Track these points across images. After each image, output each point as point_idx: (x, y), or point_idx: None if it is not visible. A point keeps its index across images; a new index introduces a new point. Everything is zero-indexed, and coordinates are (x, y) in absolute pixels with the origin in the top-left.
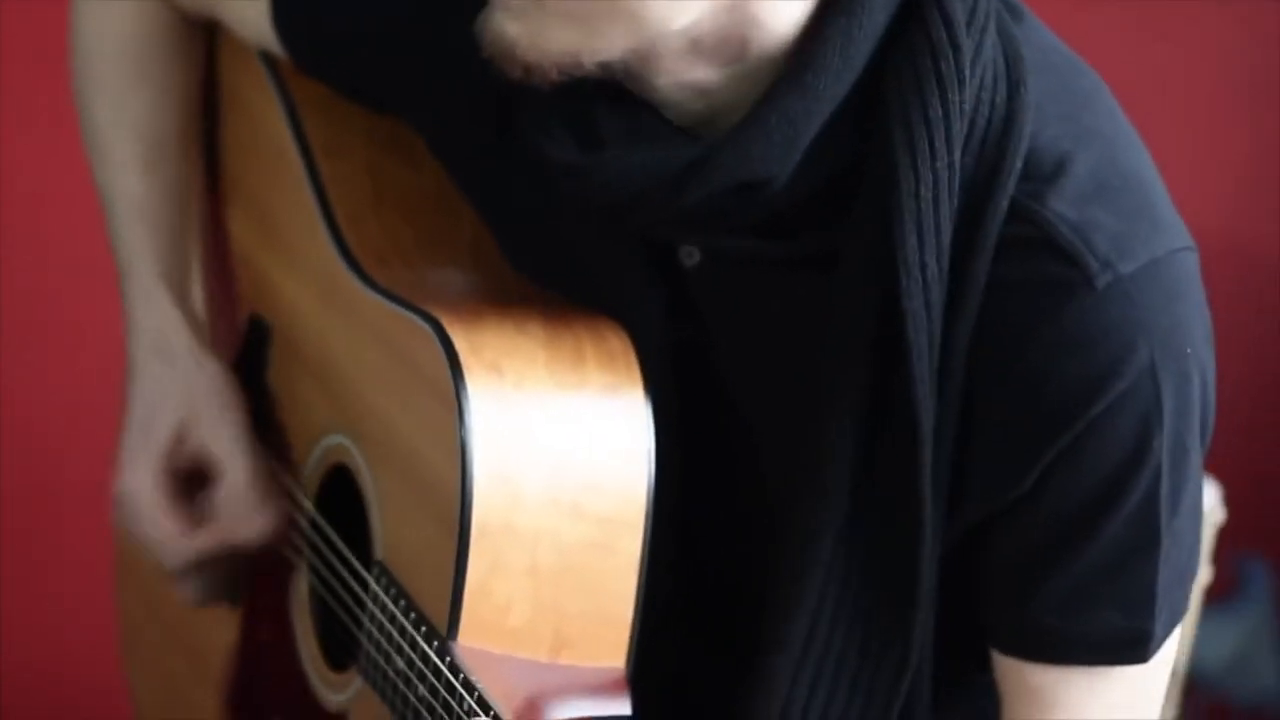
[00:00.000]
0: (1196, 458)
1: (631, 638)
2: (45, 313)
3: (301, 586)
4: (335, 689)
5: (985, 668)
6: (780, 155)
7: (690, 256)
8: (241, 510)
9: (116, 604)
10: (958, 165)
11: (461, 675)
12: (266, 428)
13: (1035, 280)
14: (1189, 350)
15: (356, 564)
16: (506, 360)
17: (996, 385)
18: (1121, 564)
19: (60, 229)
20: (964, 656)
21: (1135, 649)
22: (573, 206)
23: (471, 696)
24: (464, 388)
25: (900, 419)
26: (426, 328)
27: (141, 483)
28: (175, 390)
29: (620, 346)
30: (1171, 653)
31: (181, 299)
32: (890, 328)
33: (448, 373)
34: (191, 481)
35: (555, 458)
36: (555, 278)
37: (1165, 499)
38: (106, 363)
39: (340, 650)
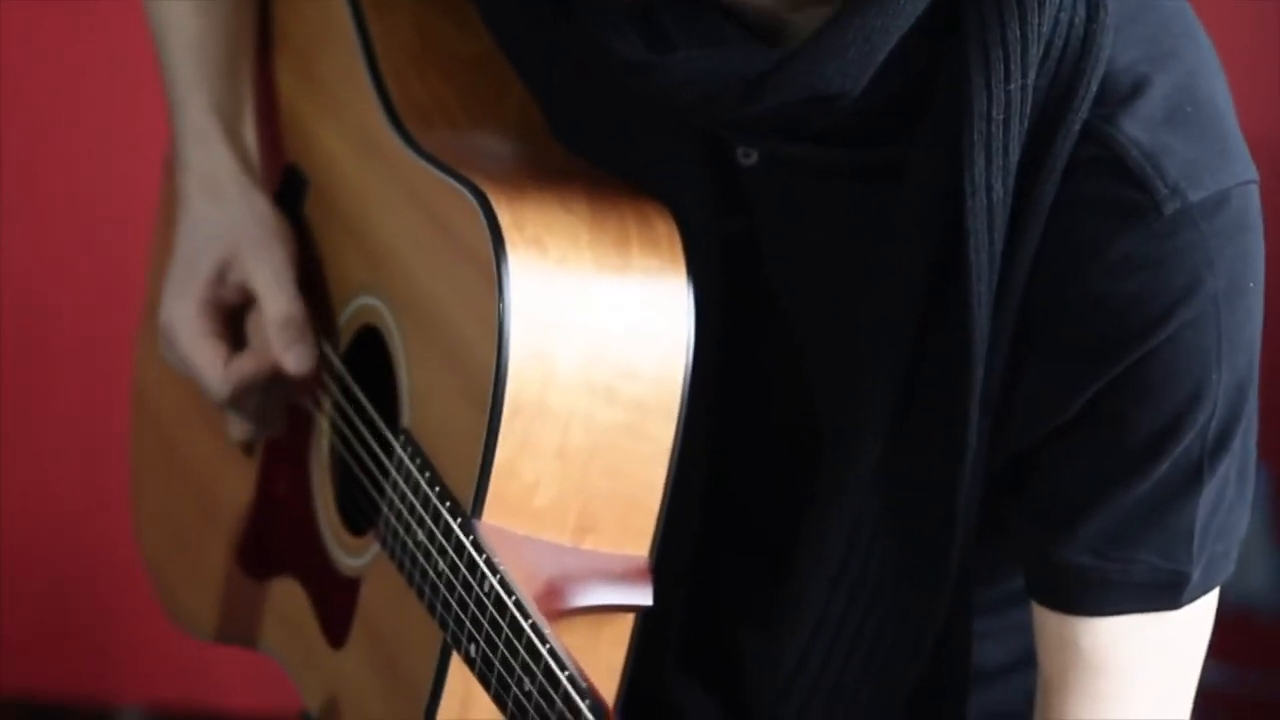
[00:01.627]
0: (1253, 396)
1: (657, 528)
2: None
3: (323, 445)
4: (351, 553)
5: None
6: (855, 71)
7: (747, 156)
8: (280, 341)
9: (130, 450)
10: (1030, 88)
11: (484, 555)
12: (299, 283)
13: (1102, 202)
14: (1251, 285)
15: (383, 428)
16: (549, 236)
17: (1054, 307)
18: (1164, 503)
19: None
20: (1008, 586)
21: (1171, 592)
22: (630, 95)
23: (494, 578)
24: (505, 261)
25: (953, 338)
26: (469, 196)
27: (184, 311)
28: (222, 227)
29: (666, 231)
30: (1209, 618)
31: (233, 136)
32: (951, 247)
33: (489, 245)
34: (235, 318)
35: (592, 339)
36: (603, 159)
37: (1214, 438)
38: (102, 219)
39: (358, 514)
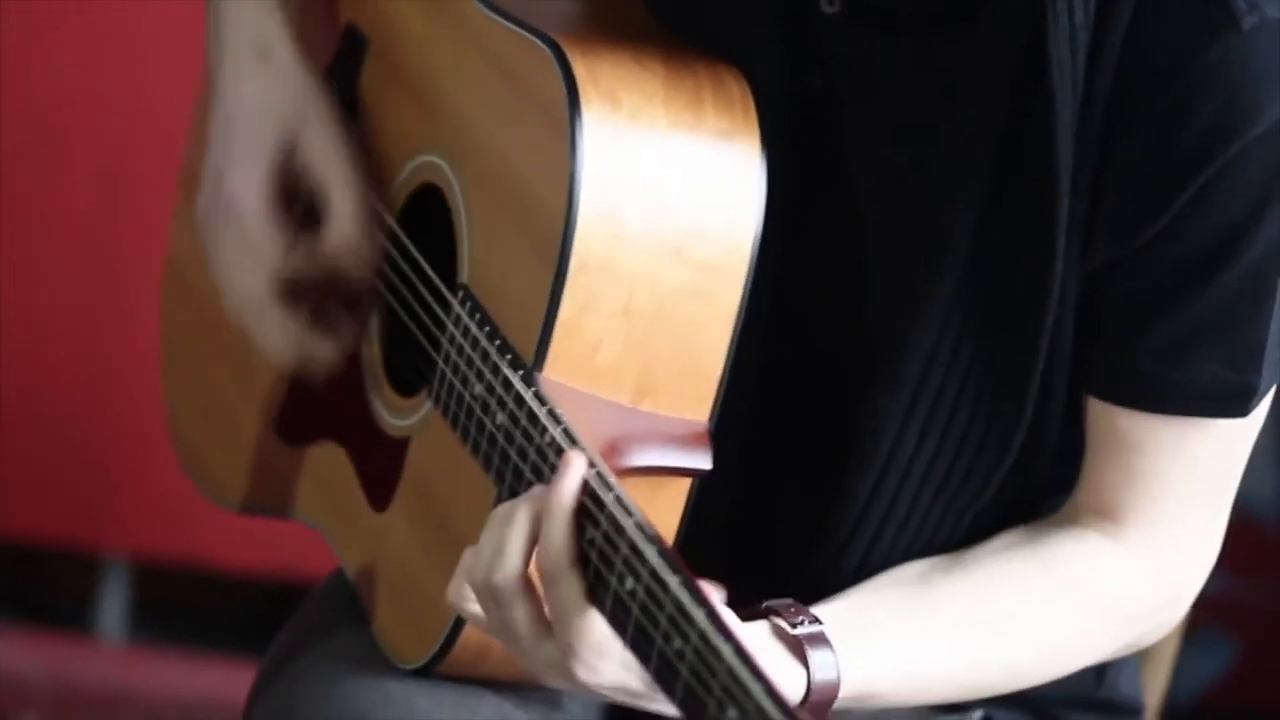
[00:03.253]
0: None
1: (718, 393)
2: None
3: (373, 307)
4: (399, 413)
5: None
6: None
7: (830, 4)
8: (348, 236)
9: (161, 313)
10: None
11: (546, 406)
12: (354, 145)
13: (1180, 20)
14: None
15: (440, 284)
16: (623, 91)
17: (1135, 127)
18: (1231, 315)
19: None
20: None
21: (1235, 402)
22: None
23: (555, 429)
24: (578, 114)
25: (1037, 168)
26: (544, 49)
27: (250, 188)
28: (280, 97)
29: (740, 93)
30: (1263, 414)
31: (284, 6)
32: (1033, 76)
33: (563, 97)
34: (291, 196)
35: (663, 197)
36: (678, 14)
37: None
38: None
39: (409, 375)
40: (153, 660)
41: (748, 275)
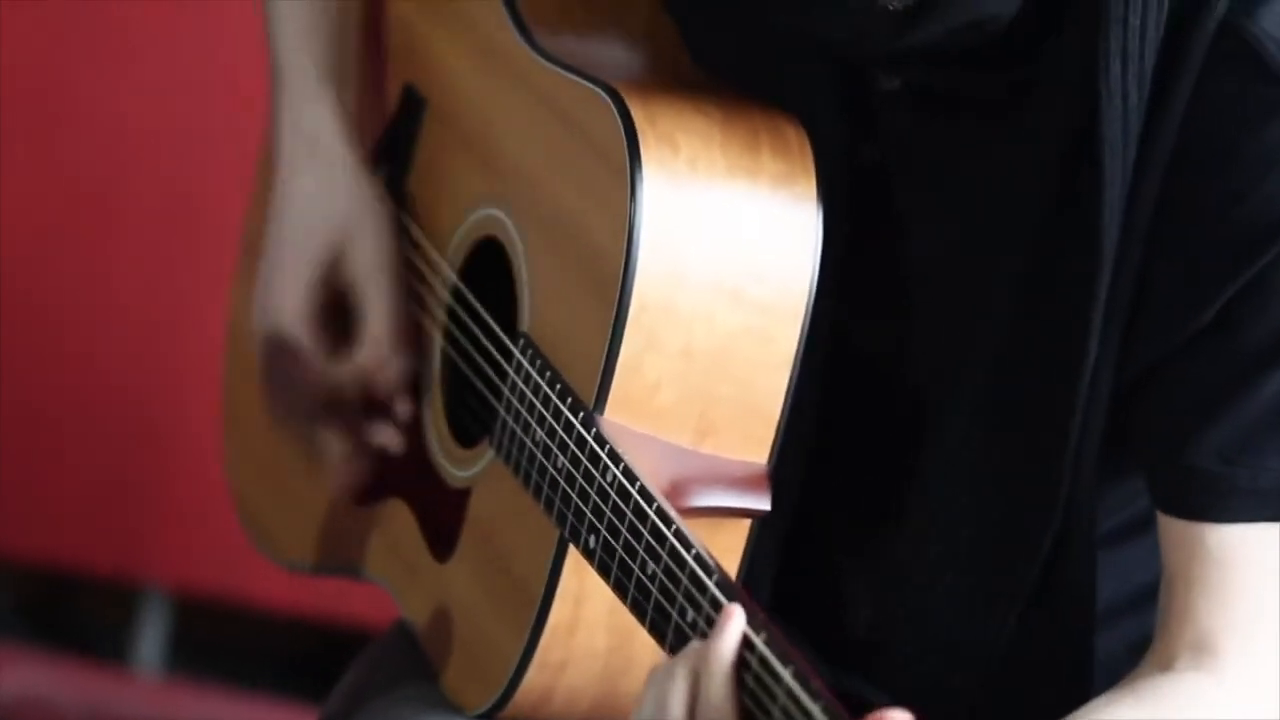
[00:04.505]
0: None
1: (777, 435)
2: None
3: (433, 363)
4: (461, 465)
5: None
6: None
7: (890, 81)
8: (380, 347)
9: (223, 383)
10: None
11: (607, 446)
12: (414, 203)
13: (1239, 99)
14: None
15: (500, 334)
16: (682, 134)
17: (1188, 207)
18: None
19: None
20: (1125, 516)
21: None
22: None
23: (616, 468)
24: (638, 158)
25: (1081, 247)
26: (603, 96)
27: (296, 298)
28: (332, 204)
29: (797, 139)
30: None
31: (341, 101)
32: (1082, 155)
33: (622, 141)
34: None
35: (722, 240)
36: (737, 77)
37: None
38: None
39: (470, 426)
40: (190, 695)
41: (805, 317)
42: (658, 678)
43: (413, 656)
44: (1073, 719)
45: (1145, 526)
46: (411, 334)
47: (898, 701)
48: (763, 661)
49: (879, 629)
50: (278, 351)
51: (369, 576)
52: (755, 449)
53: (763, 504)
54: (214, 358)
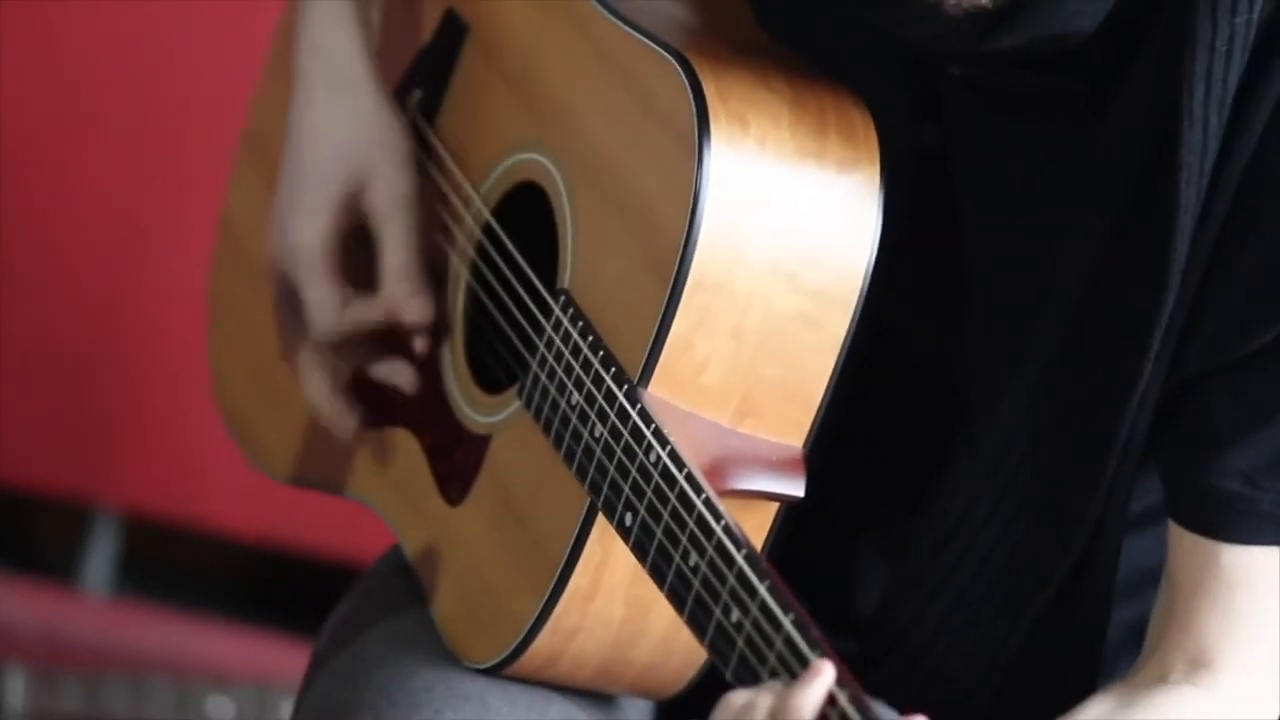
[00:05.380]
0: None
1: (816, 420)
2: None
3: (458, 299)
4: (483, 410)
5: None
6: (1094, 9)
7: (957, 70)
8: (399, 285)
9: (211, 272)
10: (1255, 21)
11: (653, 426)
12: (447, 131)
13: None
14: None
15: (539, 285)
16: (751, 112)
17: (1252, 235)
18: None
19: None
20: (1148, 502)
21: None
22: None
23: (663, 449)
24: (707, 133)
25: (1147, 269)
26: (672, 63)
27: (309, 239)
28: (352, 135)
29: (863, 122)
30: None
31: (364, 21)
32: (1157, 177)
33: (691, 114)
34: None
35: (783, 223)
36: (800, 42)
37: None
38: None
39: (495, 371)
40: (139, 617)
41: (858, 305)
42: (735, 706)
43: (405, 589)
44: (1067, 719)
45: (1158, 517)
46: (432, 272)
47: (901, 688)
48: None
49: (890, 613)
50: (295, 286)
51: (355, 496)
52: (792, 432)
53: (798, 489)
54: (172, 282)
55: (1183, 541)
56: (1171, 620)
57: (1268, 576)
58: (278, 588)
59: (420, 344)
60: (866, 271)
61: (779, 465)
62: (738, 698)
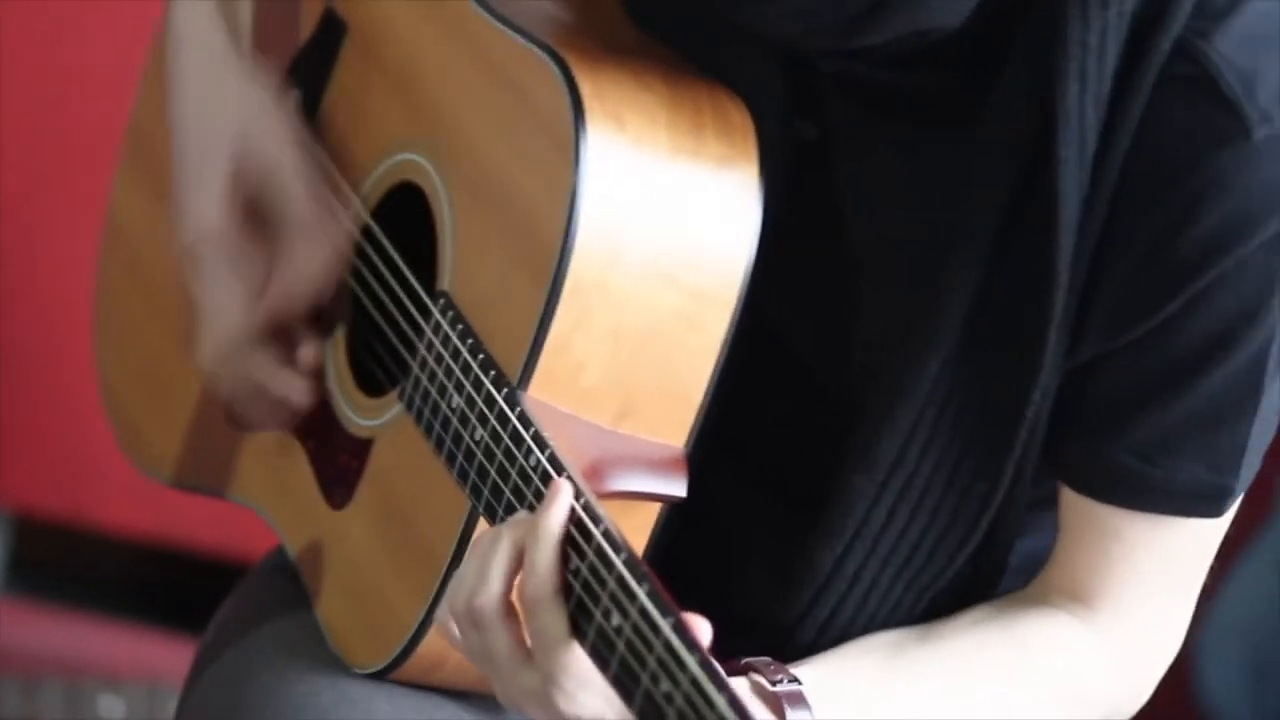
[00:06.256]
0: None
1: (695, 421)
2: None
3: (339, 300)
4: (365, 413)
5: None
6: (959, 5)
7: (830, 66)
8: (306, 246)
9: (98, 270)
10: (1128, 13)
11: (532, 429)
12: (326, 131)
13: (1192, 125)
14: None
15: (418, 288)
16: (629, 112)
17: (1136, 228)
18: (1217, 417)
19: None
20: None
21: (1212, 504)
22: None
23: (542, 453)
24: (584, 134)
25: (1034, 259)
26: (549, 63)
27: (212, 218)
28: (225, 107)
29: (740, 120)
30: (1234, 509)
31: (233, 22)
32: (1036, 174)
33: (569, 114)
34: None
35: (662, 222)
36: (675, 38)
37: (1274, 358)
38: None
39: (376, 374)
40: (29, 617)
41: (737, 304)
42: (481, 544)
43: (290, 589)
44: (936, 629)
45: (1049, 504)
46: (341, 226)
47: None
48: (598, 551)
49: (798, 622)
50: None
51: (238, 499)
52: (673, 432)
53: (679, 489)
54: (61, 279)
55: (1069, 498)
56: (1054, 559)
57: (1150, 537)
58: (169, 587)
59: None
60: (746, 269)
61: (659, 465)
62: (483, 535)
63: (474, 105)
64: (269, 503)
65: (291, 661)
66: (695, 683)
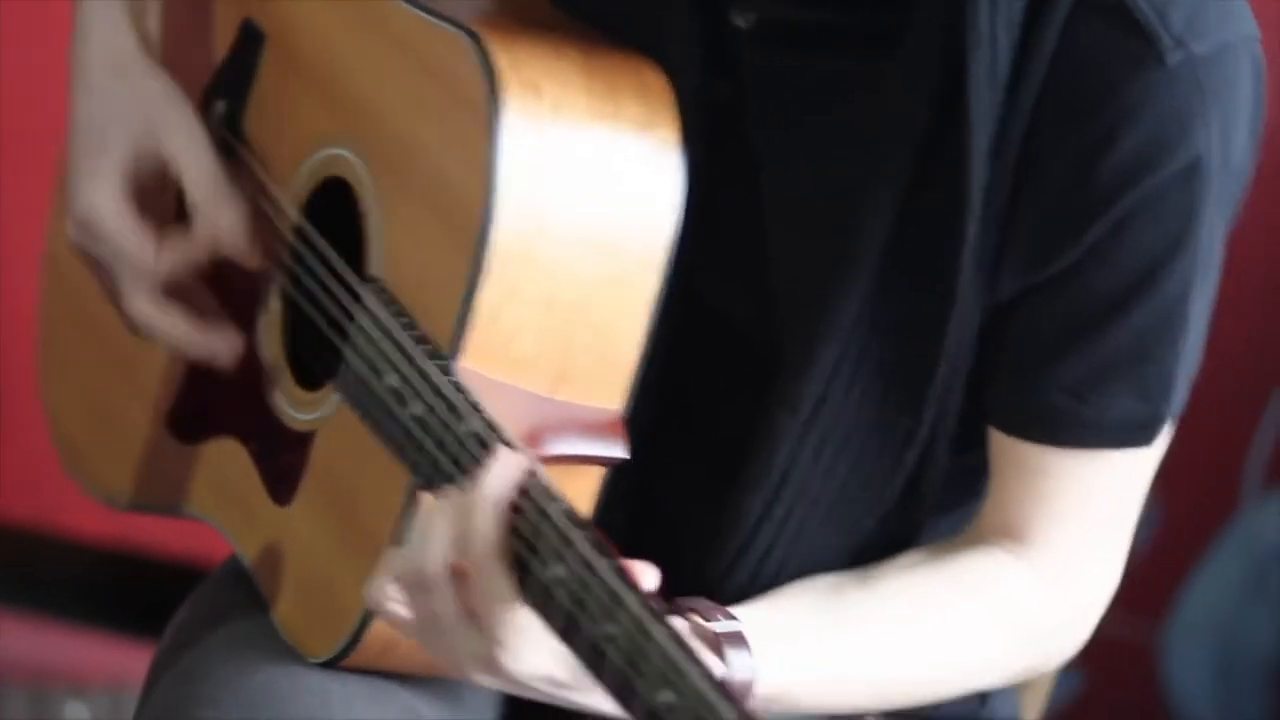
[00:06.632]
0: (1222, 244)
1: (632, 383)
2: None
3: (272, 301)
4: (304, 408)
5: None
6: None
7: (746, 19)
8: (211, 206)
9: (40, 320)
10: None
11: (466, 395)
12: (253, 140)
13: (1106, 51)
14: (1239, 140)
15: (349, 276)
16: (545, 80)
17: (1053, 156)
18: (1146, 349)
19: None
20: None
21: (1144, 433)
22: None
23: (475, 418)
24: (500, 103)
25: (948, 190)
26: (463, 39)
27: (103, 197)
28: (130, 104)
29: (657, 82)
30: (1167, 438)
31: (137, 16)
32: (950, 102)
33: (484, 86)
34: (156, 200)
35: (585, 186)
36: (590, 10)
37: (1197, 286)
38: None
39: (313, 368)
40: None
41: (665, 264)
42: (424, 512)
43: (246, 594)
44: (874, 571)
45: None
46: (241, 186)
47: None
48: (537, 507)
49: (730, 573)
50: (104, 249)
51: (193, 514)
52: (609, 395)
53: (619, 451)
54: (20, 284)
55: (999, 439)
56: (988, 497)
57: (1085, 472)
58: (134, 592)
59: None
60: (672, 229)
61: (596, 429)
62: (426, 503)
63: (394, 92)
64: (220, 513)
65: (249, 656)
66: (636, 620)
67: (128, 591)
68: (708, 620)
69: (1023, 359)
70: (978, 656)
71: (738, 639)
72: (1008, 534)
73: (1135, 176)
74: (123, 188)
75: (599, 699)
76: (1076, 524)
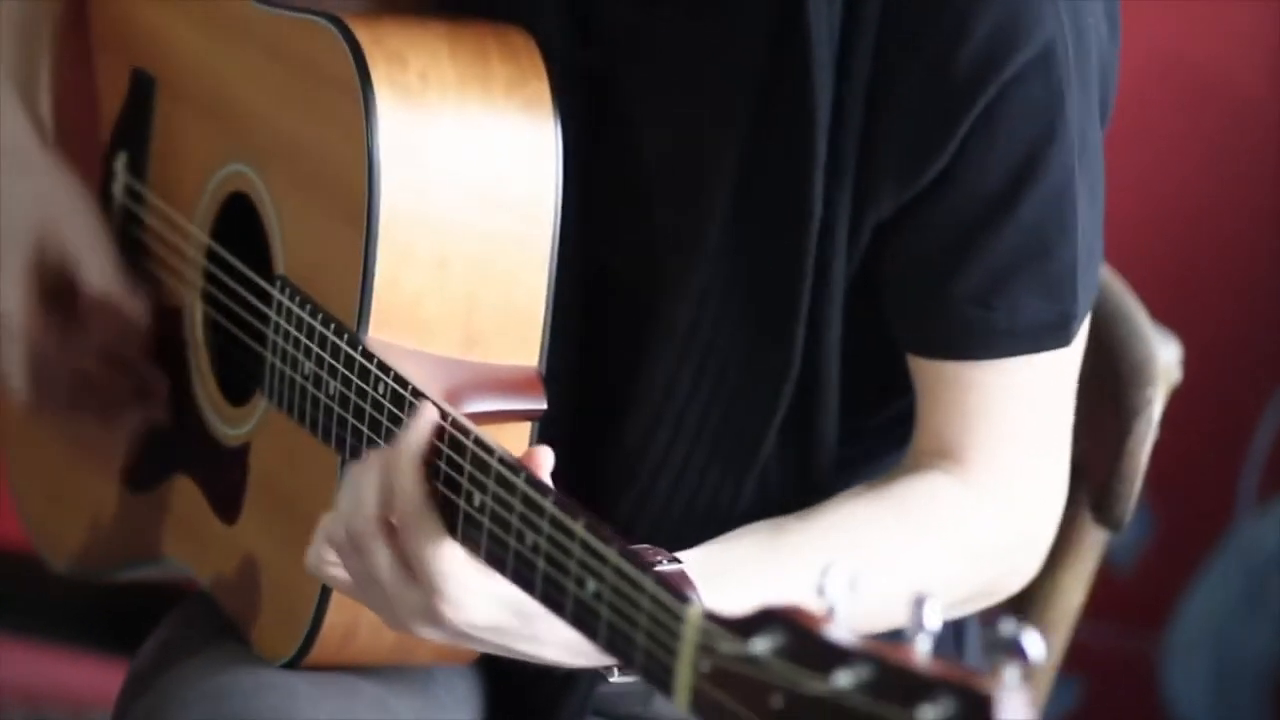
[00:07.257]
0: (1099, 136)
1: (544, 337)
2: None
3: (195, 329)
4: (236, 423)
5: (896, 395)
6: None
7: None
8: (110, 301)
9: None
10: None
11: (375, 359)
12: (157, 180)
13: None
14: (1091, 21)
15: (259, 280)
16: (410, 51)
17: (906, 60)
18: (1041, 245)
19: None
20: (877, 382)
21: (1058, 333)
22: None
23: (388, 376)
24: (368, 77)
25: (794, 107)
26: (327, 25)
27: (17, 299)
28: (33, 204)
29: (523, 42)
30: (1083, 342)
31: (31, 104)
32: (790, 18)
33: (350, 64)
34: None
35: (463, 148)
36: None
37: (1078, 174)
38: None
39: (241, 382)
40: None
41: (555, 216)
42: (351, 476)
43: (214, 623)
44: (814, 508)
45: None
46: (139, 292)
47: None
48: (453, 444)
49: (613, 503)
50: (15, 349)
51: (169, 564)
52: (524, 352)
53: (538, 404)
54: None
55: (922, 364)
56: (918, 427)
57: (1010, 381)
58: (102, 612)
59: (152, 373)
60: (557, 182)
61: (513, 385)
62: (352, 467)
63: (274, 96)
64: (180, 549)
65: (216, 660)
66: (554, 520)
67: (120, 614)
68: (650, 561)
69: (924, 277)
70: (927, 581)
71: (682, 579)
72: (943, 456)
73: (993, 62)
74: (29, 282)
75: (548, 647)
76: (1008, 436)
